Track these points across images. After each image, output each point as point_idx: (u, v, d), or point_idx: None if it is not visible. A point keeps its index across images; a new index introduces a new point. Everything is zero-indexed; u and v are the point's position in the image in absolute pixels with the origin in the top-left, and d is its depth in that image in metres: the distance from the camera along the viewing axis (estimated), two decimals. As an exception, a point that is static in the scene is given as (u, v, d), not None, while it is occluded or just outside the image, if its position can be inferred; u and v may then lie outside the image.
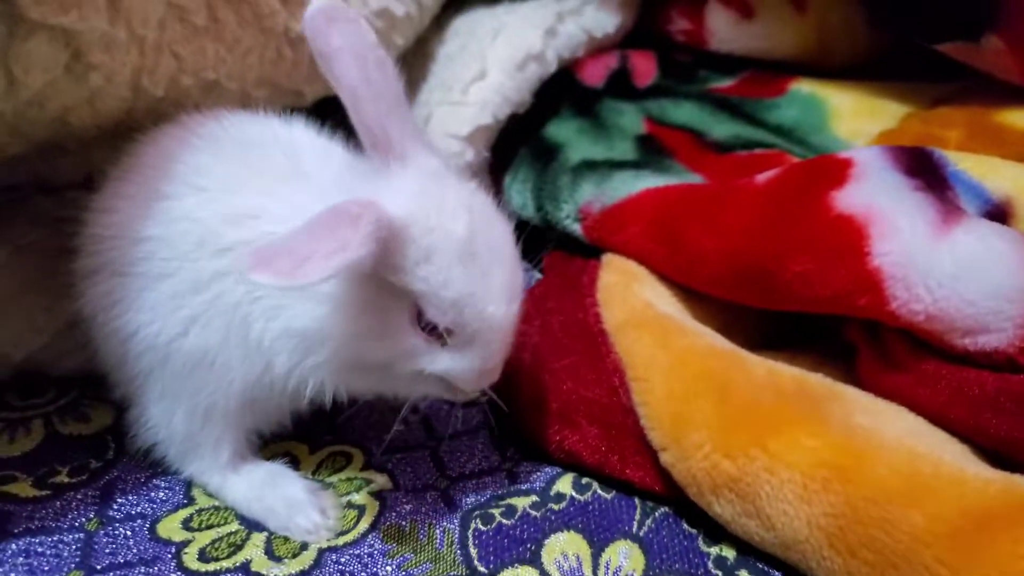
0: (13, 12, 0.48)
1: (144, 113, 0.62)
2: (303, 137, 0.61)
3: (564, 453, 0.65)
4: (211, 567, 0.56)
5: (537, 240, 0.91)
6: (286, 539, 0.59)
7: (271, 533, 0.59)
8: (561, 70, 0.96)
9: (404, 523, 0.60)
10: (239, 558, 0.57)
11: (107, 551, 0.57)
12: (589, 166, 0.84)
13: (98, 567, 0.55)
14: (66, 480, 0.62)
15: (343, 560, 0.57)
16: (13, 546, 0.56)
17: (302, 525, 0.59)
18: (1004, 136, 0.79)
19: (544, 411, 0.66)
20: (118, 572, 0.55)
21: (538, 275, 0.91)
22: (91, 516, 0.59)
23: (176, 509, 0.61)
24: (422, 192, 0.53)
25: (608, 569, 0.57)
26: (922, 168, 0.67)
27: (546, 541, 0.59)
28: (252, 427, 0.62)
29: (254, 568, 0.56)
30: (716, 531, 0.60)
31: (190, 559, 0.56)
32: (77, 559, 0.56)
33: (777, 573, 0.57)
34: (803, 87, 0.96)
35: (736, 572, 0.57)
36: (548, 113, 0.95)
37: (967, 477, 0.52)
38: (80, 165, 0.71)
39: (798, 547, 0.55)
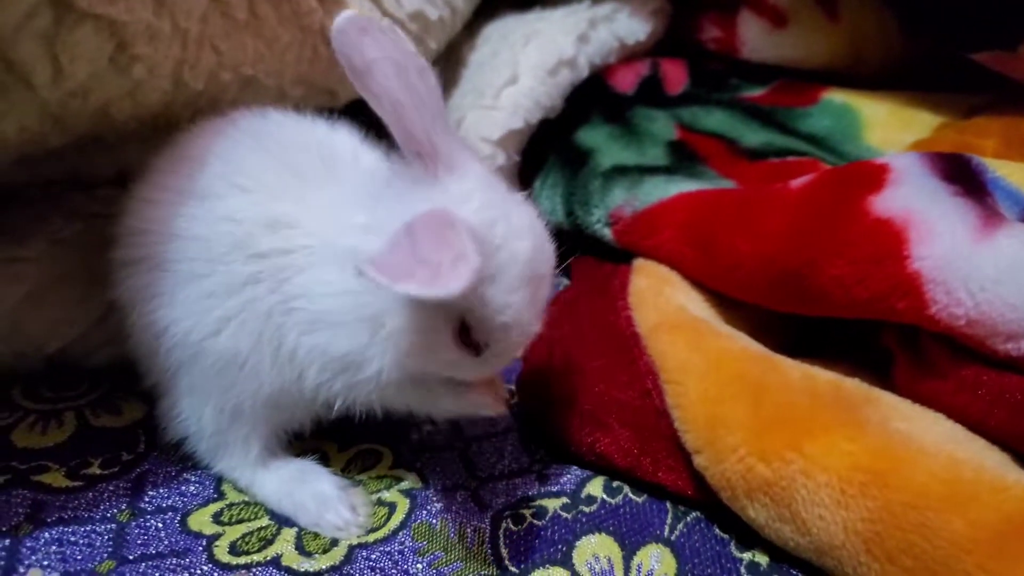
0: (62, 2, 0.48)
1: (182, 107, 0.62)
2: (346, 143, 0.61)
3: (595, 455, 0.65)
4: (242, 560, 0.56)
5: (563, 246, 0.91)
6: (316, 535, 0.59)
7: (301, 529, 0.59)
8: (591, 77, 0.96)
9: (435, 521, 0.60)
10: (270, 552, 0.57)
11: (139, 542, 0.56)
12: (620, 171, 0.84)
13: (130, 557, 0.55)
14: (98, 472, 0.62)
15: (373, 557, 0.57)
16: (47, 535, 0.56)
17: (332, 521, 0.59)
18: (1041, 145, 0.79)
19: (576, 413, 0.66)
20: (150, 563, 0.55)
21: (565, 281, 0.91)
22: (123, 507, 0.59)
23: (207, 503, 0.61)
24: (487, 206, 0.51)
25: (640, 572, 0.57)
26: (960, 174, 0.66)
27: (577, 543, 0.59)
28: (280, 426, 0.62)
29: (285, 562, 0.56)
30: (749, 536, 0.59)
31: (221, 552, 0.56)
32: (110, 549, 0.56)
33: (811, 579, 0.56)
34: (835, 96, 0.96)
35: (769, 577, 0.57)
36: (578, 119, 0.95)
37: (1009, 483, 0.51)
38: (115, 161, 0.71)
39: (834, 553, 0.54)
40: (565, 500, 0.63)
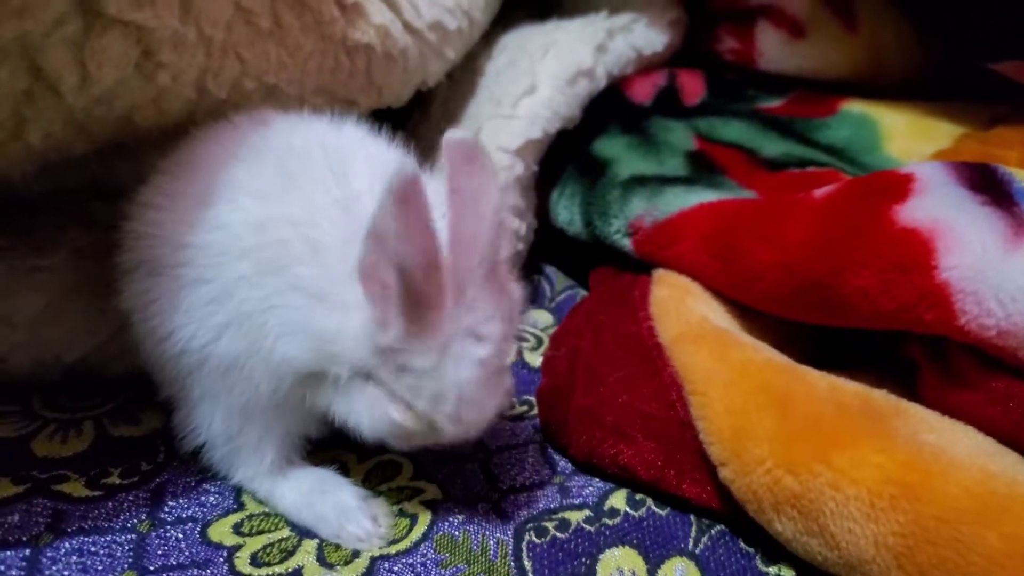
0: (91, 7, 0.48)
1: (205, 115, 0.62)
2: (352, 143, 0.61)
3: (618, 467, 0.64)
4: (263, 572, 0.55)
5: (582, 258, 0.91)
6: (338, 546, 0.58)
7: (322, 540, 0.58)
8: (608, 87, 0.96)
9: (457, 533, 0.59)
10: (291, 564, 0.56)
11: (159, 553, 0.56)
12: (639, 181, 0.84)
13: (151, 568, 0.55)
14: (118, 481, 0.62)
15: (395, 569, 0.56)
16: (67, 544, 0.56)
17: (354, 532, 0.58)
18: (1066, 156, 0.78)
19: (598, 424, 0.65)
20: (171, 574, 0.54)
21: (584, 293, 0.91)
22: (143, 518, 0.59)
23: (227, 514, 0.60)
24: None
25: (665, 585, 0.56)
26: (987, 184, 0.66)
27: (601, 556, 0.58)
28: (293, 430, 0.62)
29: (306, 574, 0.55)
30: (774, 550, 0.58)
31: (242, 563, 0.56)
32: (130, 560, 0.55)
33: (839, 594, 0.56)
34: (854, 107, 0.96)
35: (795, 592, 0.56)
36: (595, 130, 0.95)
37: (1044, 497, 0.51)
38: (136, 170, 0.71)
39: (864, 567, 0.53)
40: (588, 513, 0.62)
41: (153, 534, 0.58)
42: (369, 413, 0.55)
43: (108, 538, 0.57)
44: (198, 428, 0.60)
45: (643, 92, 0.99)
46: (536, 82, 0.89)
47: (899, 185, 0.66)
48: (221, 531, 0.58)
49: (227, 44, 0.58)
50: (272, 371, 0.56)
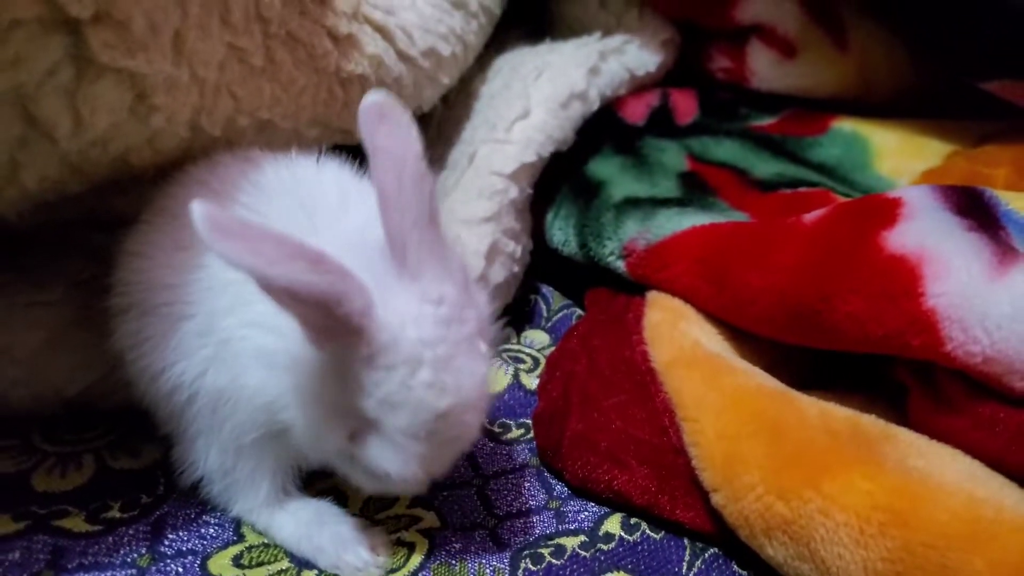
0: (83, 56, 0.49)
1: (200, 152, 0.63)
2: (330, 183, 0.61)
3: (613, 493, 0.65)
4: (263, 604, 0.56)
5: (578, 277, 0.91)
6: (337, 577, 0.59)
7: (321, 571, 0.59)
8: (602, 107, 0.97)
9: (454, 562, 0.60)
10: (290, 596, 0.57)
11: (160, 587, 0.57)
12: (633, 203, 0.85)
13: (151, 603, 0.55)
14: (118, 515, 0.62)
15: (393, 599, 0.57)
16: (68, 581, 0.56)
17: (352, 563, 0.59)
18: (1054, 175, 0.79)
19: (593, 450, 0.66)
20: (171, 609, 0.55)
21: (580, 312, 0.91)
22: (143, 552, 0.59)
23: (226, 546, 0.61)
24: (429, 335, 0.51)
25: (659, 612, 0.57)
26: (973, 207, 0.66)
27: (596, 582, 0.59)
28: (285, 463, 0.62)
29: (305, 606, 0.56)
30: (767, 574, 0.59)
31: (241, 596, 0.56)
32: (130, 595, 0.56)
33: (831, 618, 0.56)
34: (845, 125, 0.96)
35: (789, 616, 0.56)
36: (589, 150, 0.96)
37: (1029, 523, 0.51)
38: (132, 202, 0.72)
39: (854, 592, 0.54)
40: (583, 538, 0.63)
41: (153, 568, 0.58)
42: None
43: (108, 574, 0.57)
44: (195, 463, 0.61)
45: (636, 112, 1.00)
46: (530, 106, 0.89)
47: (887, 210, 0.67)
48: (221, 563, 0.59)
49: (220, 83, 0.59)
50: (247, 403, 0.57)
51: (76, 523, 0.61)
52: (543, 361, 0.83)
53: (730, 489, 0.59)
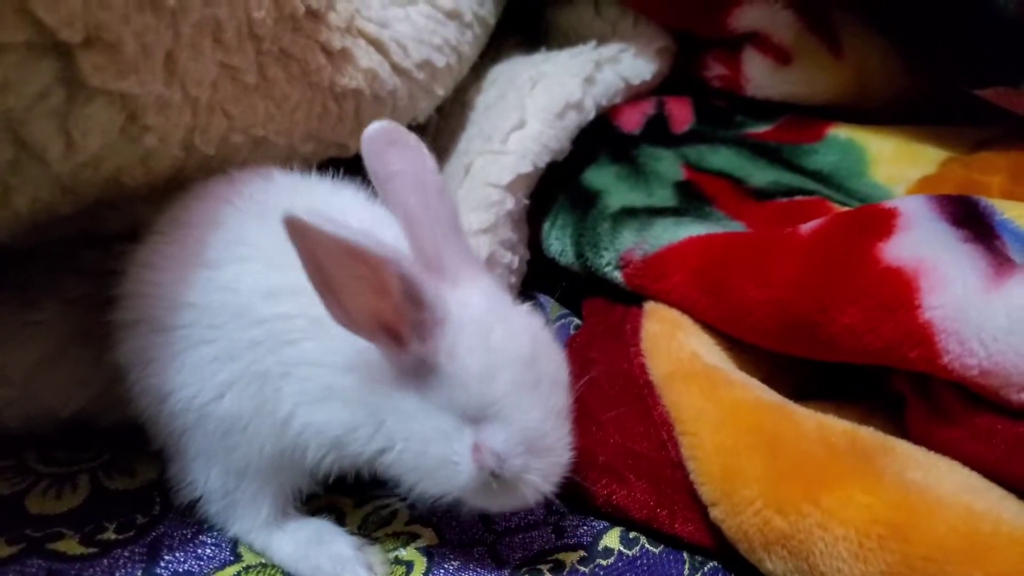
0: (73, 79, 0.49)
1: (194, 170, 0.63)
2: (351, 207, 0.61)
3: (612, 507, 0.64)
4: (261, 625, 0.56)
5: (577, 285, 0.91)
6: (333, 597, 0.58)
7: (320, 591, 0.59)
8: (597, 117, 0.97)
9: (452, 579, 0.60)
10: (288, 616, 0.57)
11: (156, 609, 0.56)
12: (629, 213, 0.84)
13: (148, 626, 0.55)
14: (113, 537, 0.62)
15: (392, 617, 0.57)
16: (63, 605, 0.56)
17: None
18: (1049, 182, 0.79)
19: (591, 464, 0.65)
20: (167, 631, 0.55)
21: (578, 321, 0.91)
22: (138, 574, 0.59)
23: (223, 566, 0.60)
24: (486, 311, 0.54)
25: (659, 627, 0.56)
26: (969, 218, 0.66)
27: (595, 597, 0.59)
28: (289, 486, 0.62)
29: (303, 625, 0.56)
30: (767, 588, 0.59)
31: (239, 617, 0.56)
32: (126, 618, 0.56)
33: (831, 633, 0.56)
34: (841, 132, 0.96)
35: (789, 630, 0.56)
36: (585, 159, 0.96)
37: (1027, 535, 0.51)
38: (126, 218, 0.72)
39: (854, 606, 0.53)
40: (582, 553, 0.62)
41: (150, 590, 0.58)
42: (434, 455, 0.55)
43: (104, 596, 0.57)
44: (193, 483, 0.61)
45: (632, 121, 0.99)
46: (525, 116, 0.89)
47: (883, 221, 0.66)
48: (218, 584, 0.59)
49: (213, 102, 0.59)
50: (280, 433, 0.57)
51: (71, 546, 0.61)
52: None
53: (728, 503, 0.59)
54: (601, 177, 0.93)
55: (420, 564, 0.61)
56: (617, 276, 0.81)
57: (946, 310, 0.58)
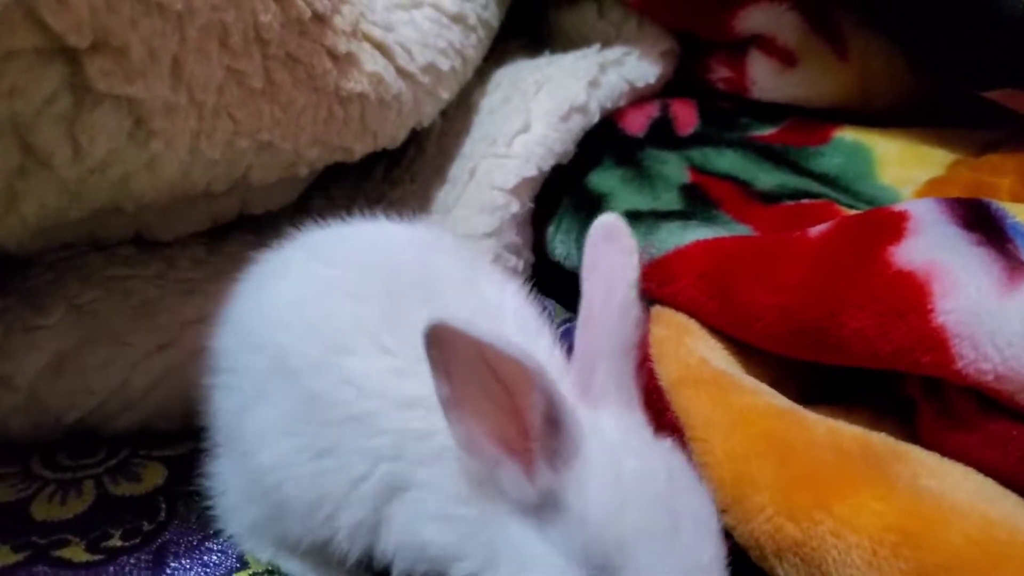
0: (81, 84, 0.48)
1: (199, 175, 0.62)
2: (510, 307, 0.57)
3: (621, 514, 0.64)
4: (268, 633, 0.55)
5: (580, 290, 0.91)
6: (343, 604, 0.58)
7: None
8: (602, 119, 0.96)
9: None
10: (296, 624, 0.56)
11: (163, 617, 0.56)
12: (635, 216, 0.84)
13: (155, 634, 0.55)
14: (119, 544, 0.62)
15: (400, 627, 0.56)
16: (69, 614, 0.56)
17: None
18: (1059, 184, 0.78)
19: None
20: (174, 640, 0.54)
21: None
22: (145, 581, 0.59)
23: (229, 573, 0.60)
24: (636, 453, 0.49)
25: (670, 634, 0.55)
26: (980, 221, 0.66)
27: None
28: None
29: (311, 634, 0.55)
30: (779, 595, 0.58)
31: (246, 625, 0.56)
32: (133, 627, 0.55)
33: (844, 641, 0.55)
34: (847, 135, 0.96)
35: (802, 638, 0.56)
36: (589, 161, 0.95)
37: (1042, 543, 0.51)
38: (131, 224, 0.72)
39: (868, 615, 0.53)
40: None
41: (157, 597, 0.58)
42: None
43: (110, 604, 0.57)
44: (227, 505, 0.60)
45: (636, 124, 0.99)
46: (530, 120, 0.89)
47: (893, 224, 0.66)
48: (225, 592, 0.59)
49: (219, 106, 0.59)
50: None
51: (76, 552, 0.60)
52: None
53: (740, 510, 0.59)
54: (606, 180, 0.92)
55: None
56: (623, 280, 0.81)
57: (959, 315, 0.58)
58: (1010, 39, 0.82)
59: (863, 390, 0.71)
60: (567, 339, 0.86)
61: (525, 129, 0.88)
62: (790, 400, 0.65)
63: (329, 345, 0.52)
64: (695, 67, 1.05)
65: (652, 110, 1.01)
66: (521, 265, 0.86)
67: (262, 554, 0.61)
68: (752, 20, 0.98)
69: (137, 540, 0.62)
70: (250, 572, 0.60)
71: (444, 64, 0.84)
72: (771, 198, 0.87)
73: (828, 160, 0.94)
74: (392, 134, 0.80)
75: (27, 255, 0.70)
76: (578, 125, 0.91)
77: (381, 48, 0.76)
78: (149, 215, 0.69)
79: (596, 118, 0.94)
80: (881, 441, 0.60)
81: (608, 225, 0.52)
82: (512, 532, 0.47)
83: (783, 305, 0.67)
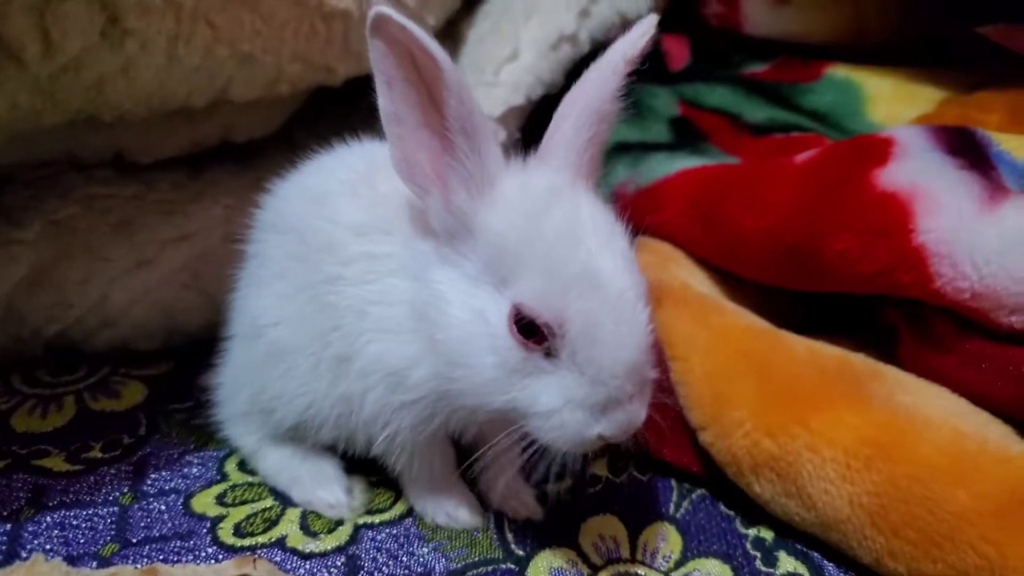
0: (51, -26, 0.47)
1: (177, 84, 0.61)
2: None
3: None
4: (247, 542, 0.55)
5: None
6: (321, 515, 0.58)
7: (306, 509, 0.59)
8: (592, 53, 0.95)
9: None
10: (274, 533, 0.56)
11: (142, 524, 0.56)
12: (623, 148, 0.84)
13: (133, 540, 0.55)
14: (99, 455, 0.62)
15: (379, 538, 0.56)
16: (48, 519, 0.56)
17: (324, 498, 0.58)
18: (1047, 118, 0.77)
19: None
20: (154, 545, 0.55)
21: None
22: (125, 491, 0.59)
23: (210, 484, 0.60)
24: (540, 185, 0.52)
25: (646, 551, 0.56)
26: (965, 147, 0.65)
27: (583, 524, 0.58)
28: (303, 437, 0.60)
29: (290, 544, 0.55)
30: (754, 513, 0.59)
31: (225, 534, 0.56)
32: (112, 532, 0.55)
33: (816, 554, 0.56)
34: (838, 72, 0.95)
35: (774, 553, 0.56)
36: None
37: (1012, 455, 0.51)
38: (109, 143, 0.71)
39: (839, 527, 0.54)
40: (570, 482, 0.62)
41: (136, 506, 0.58)
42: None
43: (90, 511, 0.57)
44: (222, 390, 0.61)
45: (626, 57, 0.98)
46: (519, 48, 0.87)
47: (879, 149, 0.66)
48: (204, 502, 0.59)
49: (197, 10, 0.57)
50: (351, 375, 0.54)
51: (56, 463, 0.60)
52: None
53: (718, 427, 0.59)
54: (595, 113, 0.91)
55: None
56: (609, 211, 0.81)
57: (940, 233, 0.58)
58: (1003, -28, 0.81)
59: (845, 322, 0.71)
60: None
61: (514, 57, 0.87)
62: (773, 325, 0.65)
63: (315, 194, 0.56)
64: (688, 2, 1.04)
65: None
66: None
67: (246, 440, 0.61)
68: (746, -46, 0.97)
69: (117, 452, 0.62)
70: (230, 483, 0.61)
71: (431, -13, 0.82)
72: (761, 130, 0.87)
73: (819, 97, 0.93)
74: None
75: (5, 172, 0.69)
76: (567, 55, 0.90)
77: (366, -33, 0.74)
78: (128, 135, 0.68)
79: (586, 49, 0.92)
80: (860, 360, 0.60)
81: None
82: (432, 274, 0.50)
83: (768, 228, 0.67)
